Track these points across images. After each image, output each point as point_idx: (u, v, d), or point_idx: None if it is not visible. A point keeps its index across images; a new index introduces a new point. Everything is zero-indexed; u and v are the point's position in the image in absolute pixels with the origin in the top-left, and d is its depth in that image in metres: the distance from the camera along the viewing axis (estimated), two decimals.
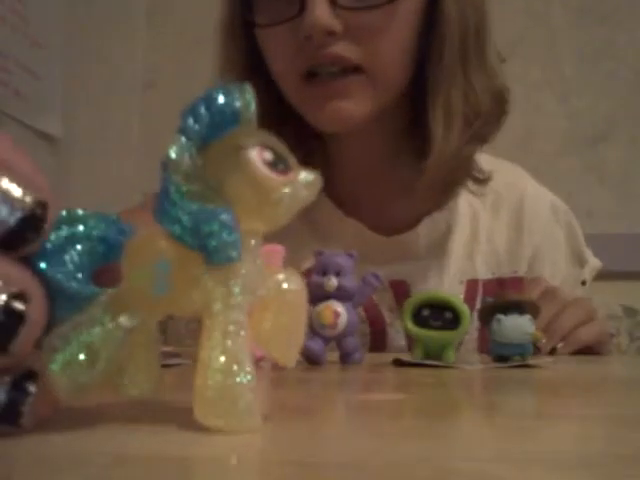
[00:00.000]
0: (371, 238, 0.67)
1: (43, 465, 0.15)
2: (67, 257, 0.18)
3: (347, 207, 0.68)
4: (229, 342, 0.18)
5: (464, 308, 0.43)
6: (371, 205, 0.68)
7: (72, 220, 0.19)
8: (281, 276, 0.21)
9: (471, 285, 0.68)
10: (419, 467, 0.15)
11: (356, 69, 0.56)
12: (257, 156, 0.18)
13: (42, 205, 0.17)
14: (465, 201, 0.70)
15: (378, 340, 0.66)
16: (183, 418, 0.19)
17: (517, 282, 0.69)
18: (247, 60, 0.63)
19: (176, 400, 0.24)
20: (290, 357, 0.22)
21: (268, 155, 0.18)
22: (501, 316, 0.43)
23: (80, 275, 0.18)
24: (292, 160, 0.19)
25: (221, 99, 0.18)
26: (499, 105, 0.62)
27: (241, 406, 0.18)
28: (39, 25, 1.05)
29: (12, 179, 0.17)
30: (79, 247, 0.19)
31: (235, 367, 0.18)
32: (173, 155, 0.18)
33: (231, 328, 0.18)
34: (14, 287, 0.16)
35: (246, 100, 0.19)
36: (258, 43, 0.61)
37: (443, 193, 0.67)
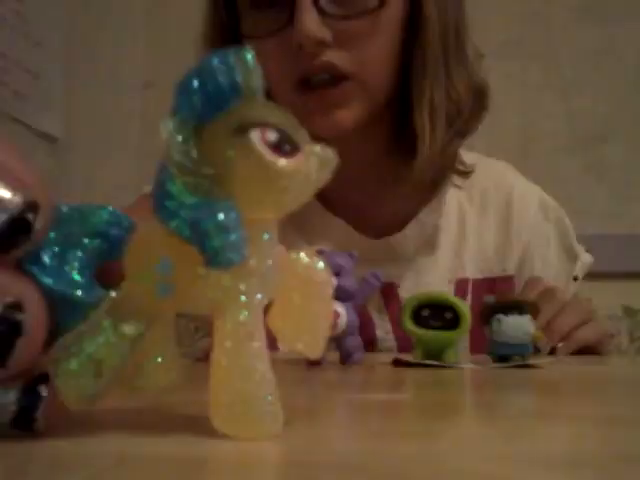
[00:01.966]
0: (359, 240, 0.67)
1: (44, 465, 0.15)
2: (66, 261, 0.17)
3: (335, 209, 0.68)
4: (242, 344, 0.17)
5: (464, 308, 0.43)
6: (359, 207, 0.68)
7: (69, 217, 0.18)
8: (304, 264, 0.19)
9: (460, 284, 0.68)
10: (419, 467, 0.15)
11: (346, 76, 0.56)
12: (259, 138, 0.16)
13: (32, 206, 0.15)
14: (453, 200, 0.70)
15: (366, 342, 0.66)
16: (184, 419, 0.19)
17: (507, 281, 0.69)
18: None
19: (177, 401, 0.24)
20: (316, 347, 0.20)
21: (272, 135, 0.16)
22: (501, 316, 0.43)
23: (81, 279, 0.17)
24: (302, 136, 0.17)
25: (217, 69, 0.16)
26: (480, 100, 0.62)
27: (259, 411, 0.17)
28: (39, 25, 1.05)
29: None
30: (78, 247, 0.17)
31: (250, 370, 0.17)
32: (166, 140, 0.16)
33: (244, 329, 0.17)
34: (9, 297, 0.15)
35: (247, 68, 0.16)
36: None
37: (430, 191, 0.67)
